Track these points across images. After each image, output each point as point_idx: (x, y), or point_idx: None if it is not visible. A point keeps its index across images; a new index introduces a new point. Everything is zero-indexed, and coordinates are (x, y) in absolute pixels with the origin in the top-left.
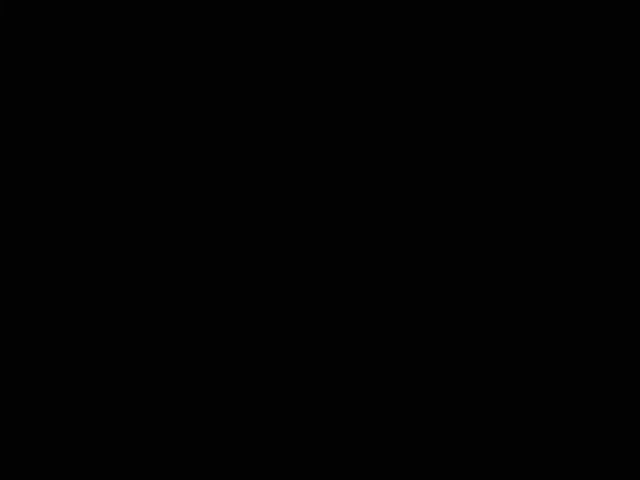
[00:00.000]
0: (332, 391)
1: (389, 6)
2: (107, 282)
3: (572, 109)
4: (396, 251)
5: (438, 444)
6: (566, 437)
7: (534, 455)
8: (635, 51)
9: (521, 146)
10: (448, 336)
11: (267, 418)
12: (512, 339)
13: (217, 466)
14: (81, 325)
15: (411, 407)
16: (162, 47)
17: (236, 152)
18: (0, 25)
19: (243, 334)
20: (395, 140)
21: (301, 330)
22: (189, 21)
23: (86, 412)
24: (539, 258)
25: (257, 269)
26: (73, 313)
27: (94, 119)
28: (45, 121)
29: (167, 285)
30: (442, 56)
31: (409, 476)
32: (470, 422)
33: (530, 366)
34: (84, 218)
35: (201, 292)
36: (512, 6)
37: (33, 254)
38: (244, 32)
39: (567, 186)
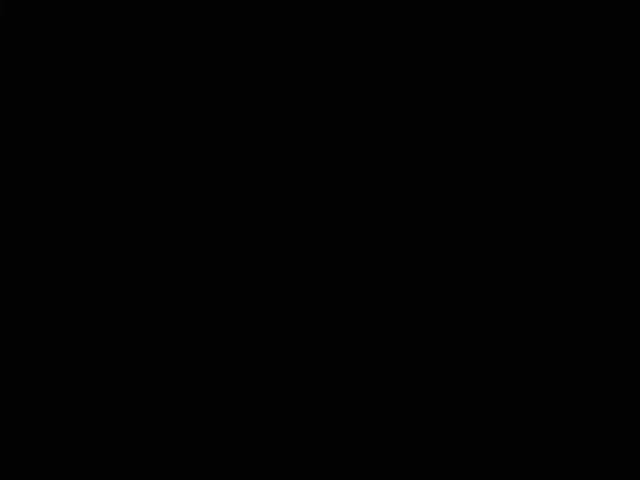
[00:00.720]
0: (332, 391)
1: (389, 6)
2: (107, 282)
3: (572, 109)
4: (396, 251)
5: (438, 444)
6: (566, 437)
7: (534, 455)
8: (635, 51)
9: (521, 146)
10: (448, 336)
11: (267, 418)
12: (512, 339)
13: (217, 466)
14: (81, 325)
15: (411, 407)
16: (162, 47)
17: (236, 152)
18: (0, 25)
19: (243, 334)
20: (395, 140)
21: (301, 330)
22: (189, 21)
23: (86, 412)
24: (539, 258)
25: (257, 269)
26: (73, 313)
27: (94, 119)
28: (45, 121)
29: (167, 285)
30: (442, 56)
31: (409, 476)
32: (470, 422)
33: (530, 366)
34: (84, 218)
35: (201, 292)
36: (512, 6)
37: (33, 254)
38: (244, 32)
39: (567, 186)
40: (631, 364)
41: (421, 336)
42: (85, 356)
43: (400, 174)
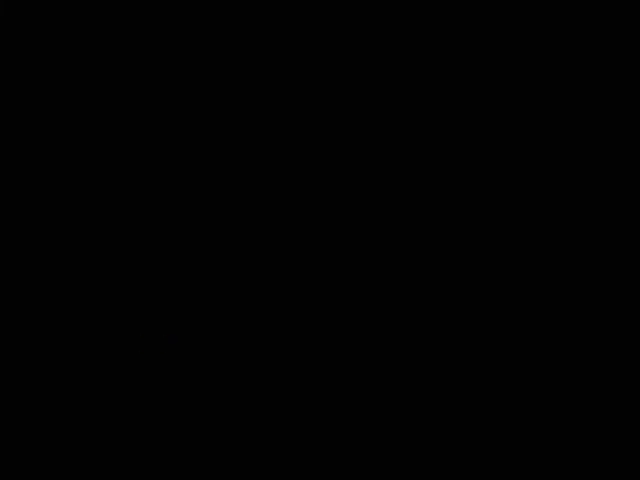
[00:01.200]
0: (332, 391)
1: (389, 6)
2: (107, 282)
3: (572, 109)
4: (396, 251)
5: (438, 444)
6: (566, 437)
7: (534, 455)
8: (635, 51)
9: (521, 146)
10: (448, 336)
11: (267, 418)
12: (512, 339)
13: (217, 466)
14: (81, 325)
15: (411, 407)
16: (162, 47)
17: (236, 152)
18: (0, 25)
19: (243, 334)
20: (395, 140)
21: (301, 330)
22: (189, 21)
23: (86, 412)
24: (539, 259)
25: (257, 269)
26: (73, 313)
27: (94, 119)
28: (45, 121)
29: (167, 285)
30: (442, 56)
31: (409, 476)
32: (470, 422)
33: (530, 366)
34: (84, 218)
35: (201, 292)
36: (512, 6)
37: (33, 254)
38: (244, 32)
39: (567, 186)
40: (631, 364)
41: (420, 336)
42: (85, 355)
43: (400, 174)
